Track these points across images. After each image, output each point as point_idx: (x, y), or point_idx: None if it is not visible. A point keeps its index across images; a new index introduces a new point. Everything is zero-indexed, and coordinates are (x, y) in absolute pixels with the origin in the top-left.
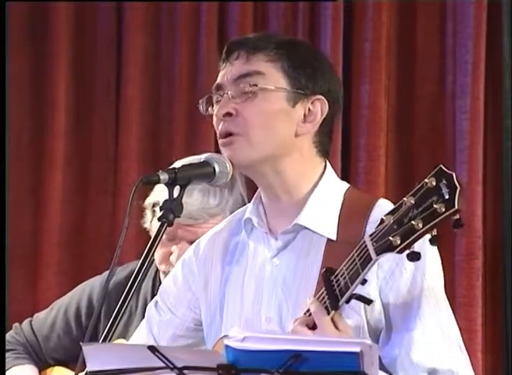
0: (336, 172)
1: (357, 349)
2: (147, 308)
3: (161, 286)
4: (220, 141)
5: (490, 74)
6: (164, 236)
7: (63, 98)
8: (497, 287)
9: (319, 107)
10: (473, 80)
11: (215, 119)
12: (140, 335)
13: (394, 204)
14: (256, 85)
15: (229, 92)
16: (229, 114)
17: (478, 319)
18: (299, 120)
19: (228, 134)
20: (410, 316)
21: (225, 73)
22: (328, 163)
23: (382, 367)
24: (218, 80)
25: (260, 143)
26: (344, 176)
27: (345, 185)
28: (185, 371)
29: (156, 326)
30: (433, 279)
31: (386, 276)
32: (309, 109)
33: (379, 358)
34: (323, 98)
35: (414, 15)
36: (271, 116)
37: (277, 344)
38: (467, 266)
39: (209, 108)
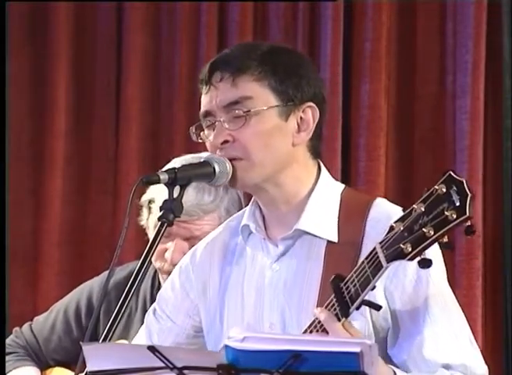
0: (336, 172)
1: (357, 349)
2: (146, 316)
3: (158, 294)
4: None
5: (490, 74)
6: None
7: (63, 98)
8: (497, 287)
9: (310, 114)
10: (473, 80)
11: (209, 146)
12: (140, 343)
13: (392, 203)
14: (249, 110)
15: (222, 119)
16: (225, 142)
17: (478, 319)
18: (293, 131)
19: (230, 159)
20: (419, 314)
21: (211, 97)
22: (321, 164)
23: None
24: (205, 106)
25: (261, 163)
26: (344, 176)
27: (340, 186)
28: (185, 371)
29: (156, 334)
30: (438, 276)
31: (390, 275)
32: (301, 118)
33: (386, 356)
34: (312, 104)
35: (414, 15)
36: (267, 135)
37: (277, 344)
38: (467, 266)
39: (201, 134)
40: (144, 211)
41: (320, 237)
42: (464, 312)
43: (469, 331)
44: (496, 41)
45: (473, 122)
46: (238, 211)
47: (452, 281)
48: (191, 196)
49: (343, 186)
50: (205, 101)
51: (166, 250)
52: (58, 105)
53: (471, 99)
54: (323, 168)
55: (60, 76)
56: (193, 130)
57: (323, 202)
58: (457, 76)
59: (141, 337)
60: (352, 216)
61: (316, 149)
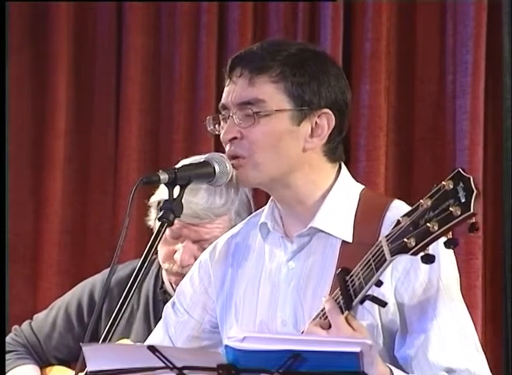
0: None
1: (357, 349)
2: (164, 308)
3: (178, 287)
4: (230, 162)
5: (490, 74)
6: (169, 234)
7: (63, 98)
8: (497, 287)
9: (326, 121)
10: (473, 80)
11: (221, 138)
12: (157, 335)
13: (408, 205)
14: (259, 111)
15: (234, 116)
16: (234, 138)
17: (478, 320)
18: (306, 136)
19: (235, 157)
20: (426, 316)
21: (229, 92)
22: (342, 166)
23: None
24: (223, 99)
25: (266, 165)
26: None
27: (359, 187)
28: (185, 371)
29: (173, 326)
30: (449, 279)
31: (401, 277)
32: (316, 123)
33: (393, 358)
34: (329, 111)
35: (414, 15)
36: (275, 137)
37: (277, 344)
38: (467, 266)
39: (216, 126)
40: (152, 212)
41: (335, 237)
42: None
43: (476, 337)
44: (496, 41)
45: (473, 122)
46: (248, 213)
47: None
48: (203, 199)
49: (362, 187)
50: (224, 95)
51: (175, 251)
52: (58, 105)
53: (471, 99)
54: (343, 170)
55: (60, 77)
56: (211, 120)
57: (340, 202)
58: (457, 76)
59: (159, 330)
60: (369, 217)
61: (334, 153)
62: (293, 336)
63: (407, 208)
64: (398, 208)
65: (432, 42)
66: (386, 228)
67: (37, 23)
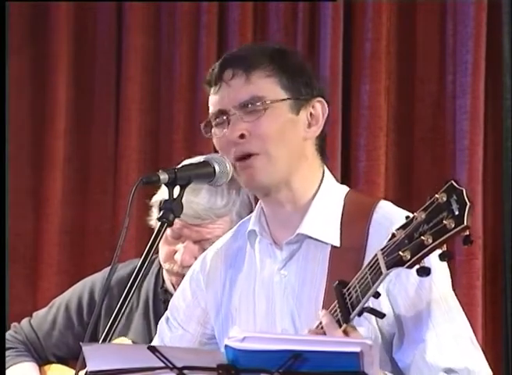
0: (335, 172)
1: (357, 349)
2: (159, 324)
3: (170, 302)
4: (237, 164)
5: (490, 74)
6: (169, 234)
7: (63, 98)
8: (497, 287)
9: (320, 109)
10: (473, 80)
11: (224, 142)
12: None
13: (392, 203)
14: (262, 102)
15: (237, 112)
16: (242, 136)
17: (478, 319)
18: (304, 126)
19: (246, 156)
20: (422, 318)
21: (223, 95)
22: (325, 168)
23: (394, 370)
24: (218, 104)
25: (279, 158)
26: (344, 176)
27: (344, 189)
28: (185, 371)
29: (168, 342)
30: (441, 281)
31: (392, 279)
32: (311, 114)
33: (393, 361)
34: (322, 99)
35: (414, 15)
36: (281, 128)
37: (277, 344)
38: (467, 266)
39: (214, 130)
40: (154, 211)
41: (323, 242)
42: (464, 312)
43: (472, 335)
44: (495, 41)
45: (473, 122)
46: (249, 214)
47: (452, 281)
48: (204, 199)
49: (347, 189)
50: (216, 100)
51: (176, 252)
52: (58, 105)
53: (471, 99)
54: (327, 171)
55: (60, 77)
56: (203, 127)
57: (326, 206)
58: (457, 76)
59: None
60: (355, 220)
61: (323, 149)
62: (293, 336)
63: (393, 208)
64: (384, 209)
65: (432, 42)
66: (374, 230)
67: (37, 23)
